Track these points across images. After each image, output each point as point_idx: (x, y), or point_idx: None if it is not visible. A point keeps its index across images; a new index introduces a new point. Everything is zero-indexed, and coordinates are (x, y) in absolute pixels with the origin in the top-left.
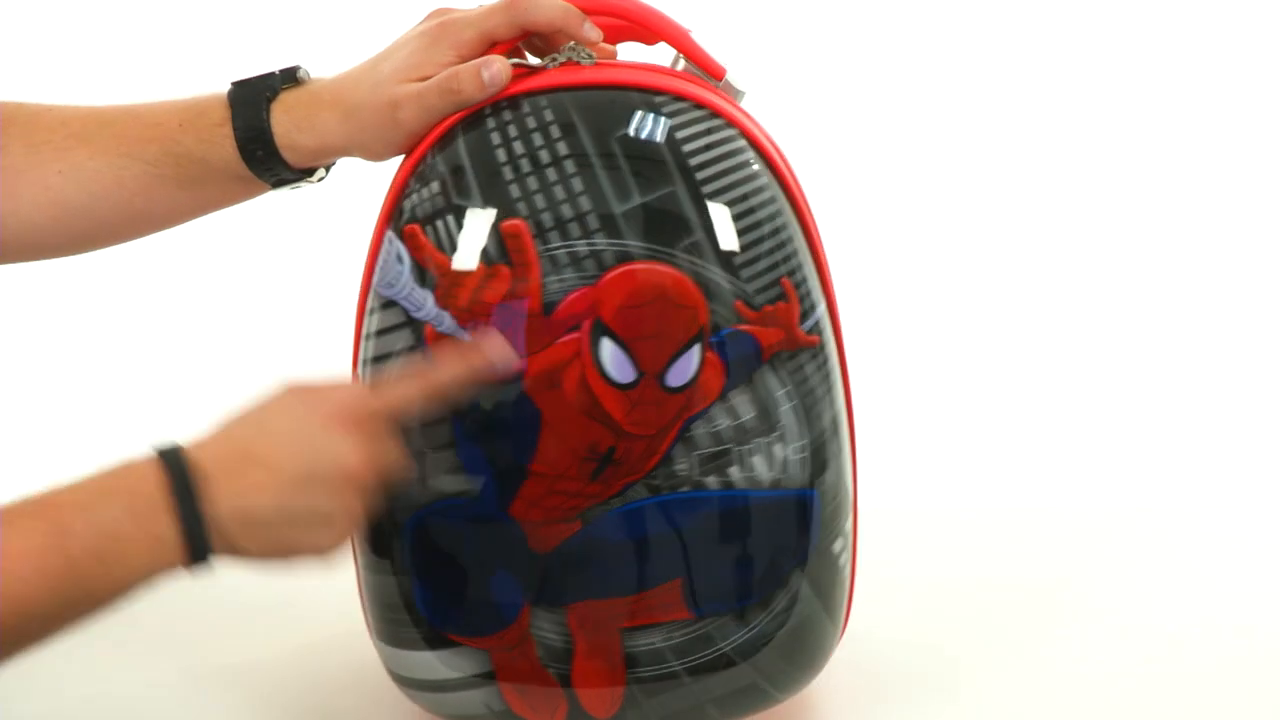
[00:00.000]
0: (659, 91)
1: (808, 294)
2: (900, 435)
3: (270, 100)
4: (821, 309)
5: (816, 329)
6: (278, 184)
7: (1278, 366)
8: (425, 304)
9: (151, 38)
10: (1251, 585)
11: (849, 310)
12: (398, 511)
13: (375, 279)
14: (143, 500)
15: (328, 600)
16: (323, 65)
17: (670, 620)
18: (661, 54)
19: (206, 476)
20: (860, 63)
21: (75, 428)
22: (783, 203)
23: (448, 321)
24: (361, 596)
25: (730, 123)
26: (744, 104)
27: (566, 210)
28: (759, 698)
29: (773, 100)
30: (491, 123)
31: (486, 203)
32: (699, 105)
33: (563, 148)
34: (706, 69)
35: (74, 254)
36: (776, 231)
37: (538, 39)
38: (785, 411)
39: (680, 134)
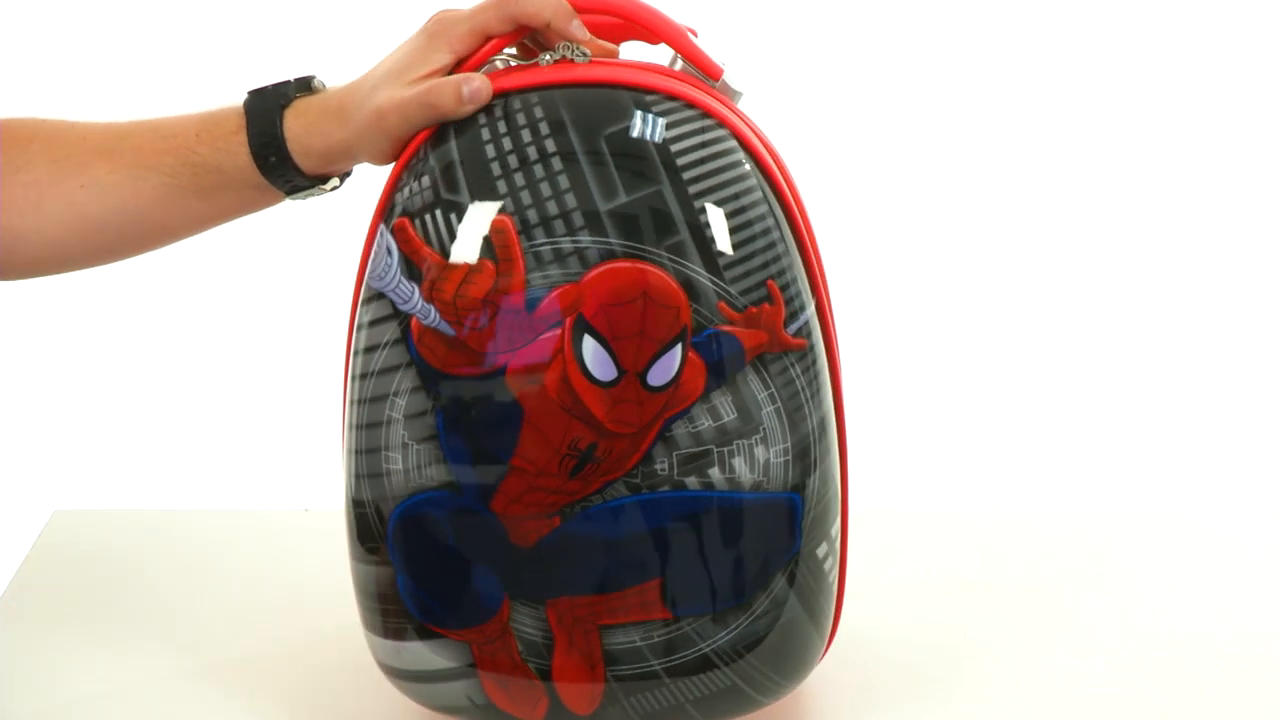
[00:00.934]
0: (650, 90)
1: (795, 296)
2: (897, 435)
3: (284, 108)
4: (810, 311)
5: (804, 331)
6: (292, 191)
7: (1278, 367)
8: (412, 297)
9: (170, 53)
10: (1249, 586)
11: (846, 312)
12: (383, 503)
13: (367, 271)
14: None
15: (331, 598)
16: (338, 72)
17: (649, 619)
18: (661, 54)
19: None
20: (855, 64)
21: (73, 421)
22: (773, 204)
23: (433, 315)
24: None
25: (721, 123)
26: (740, 105)
27: (552, 207)
28: (740, 701)
29: (770, 102)
30: (483, 119)
31: (475, 198)
32: (690, 105)
33: (550, 145)
34: (703, 69)
35: (94, 266)
36: (764, 233)
37: (530, 40)
38: (768, 414)
39: (669, 133)
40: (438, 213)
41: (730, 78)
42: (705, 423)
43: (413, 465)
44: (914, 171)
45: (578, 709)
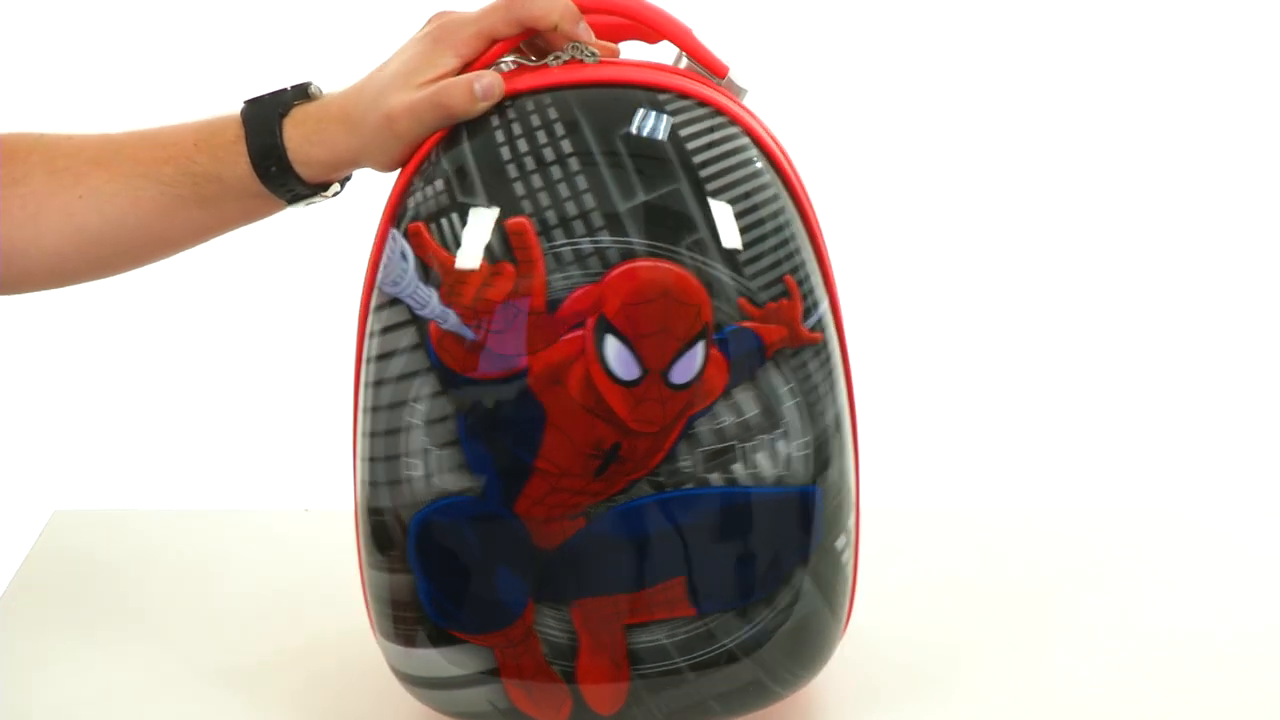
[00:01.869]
0: (663, 89)
1: (811, 291)
2: (900, 435)
3: (282, 116)
4: (824, 306)
5: (819, 326)
6: (293, 199)
7: (1278, 367)
8: (429, 301)
9: (166, 60)
10: (1251, 587)
11: (850, 310)
12: (403, 509)
13: (379, 277)
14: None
15: (332, 598)
16: (334, 76)
17: (673, 617)
18: (662, 53)
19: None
20: (861, 60)
21: (73, 421)
22: (786, 200)
23: (452, 319)
24: (365, 594)
25: (734, 120)
26: (746, 101)
27: (570, 208)
28: (762, 694)
29: (774, 97)
30: (496, 120)
31: (491, 200)
32: (702, 103)
33: (567, 145)
34: (709, 67)
35: (94, 279)
36: (780, 229)
37: (539, 39)
38: (789, 408)
39: (684, 131)
40: (454, 216)
41: (735, 75)
42: (728, 419)
43: (433, 471)
44: (913, 172)
45: (602, 710)
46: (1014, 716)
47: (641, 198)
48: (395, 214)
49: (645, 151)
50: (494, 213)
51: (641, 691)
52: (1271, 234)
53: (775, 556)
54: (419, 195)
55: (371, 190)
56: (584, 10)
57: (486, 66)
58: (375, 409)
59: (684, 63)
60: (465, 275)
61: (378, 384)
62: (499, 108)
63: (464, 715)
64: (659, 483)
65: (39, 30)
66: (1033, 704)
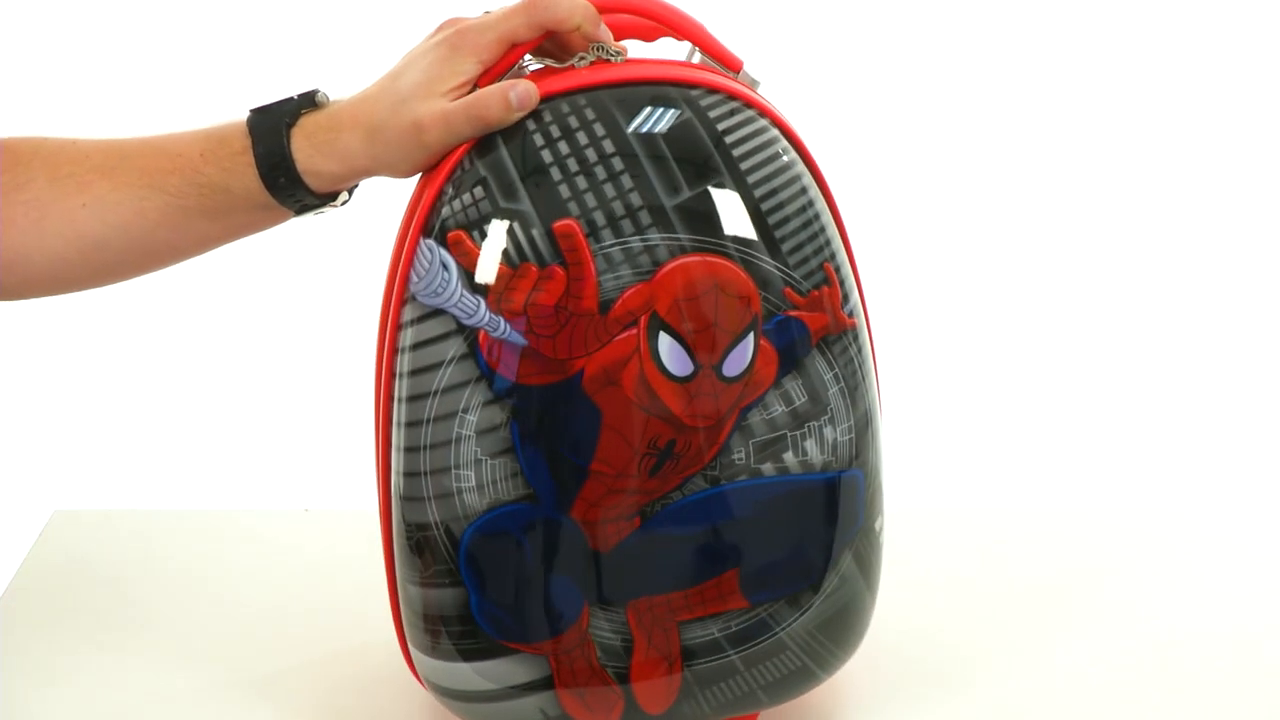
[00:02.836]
0: (695, 85)
1: (845, 277)
2: (914, 436)
3: (290, 126)
4: (855, 291)
5: (854, 311)
6: (301, 210)
7: (1278, 367)
8: (478, 310)
9: (171, 63)
10: (1267, 587)
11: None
12: (454, 522)
13: (415, 289)
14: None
15: (327, 595)
16: (334, 79)
17: (726, 610)
18: (663, 50)
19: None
20: (872, 54)
21: (73, 421)
22: (815, 189)
23: (503, 326)
24: (398, 612)
25: (763, 113)
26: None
27: (618, 207)
28: (806, 679)
29: (778, 91)
30: (532, 125)
31: (535, 205)
32: (732, 97)
33: (608, 145)
34: (725, 62)
35: (97, 286)
36: (815, 218)
37: (550, 42)
38: (833, 394)
39: (721, 126)
40: (498, 223)
41: (749, 68)
42: (778, 408)
43: (487, 481)
44: (917, 176)
45: (652, 709)
46: (1025, 713)
47: (687, 193)
48: (425, 224)
49: (686, 147)
50: (541, 217)
51: (692, 686)
52: (1273, 234)
53: (824, 542)
54: (456, 204)
55: (368, 195)
56: (600, 11)
57: (505, 70)
58: (414, 423)
59: (697, 58)
60: (515, 281)
61: (416, 398)
62: (533, 112)
63: None
64: (713, 476)
65: (44, 34)
66: (1043, 700)
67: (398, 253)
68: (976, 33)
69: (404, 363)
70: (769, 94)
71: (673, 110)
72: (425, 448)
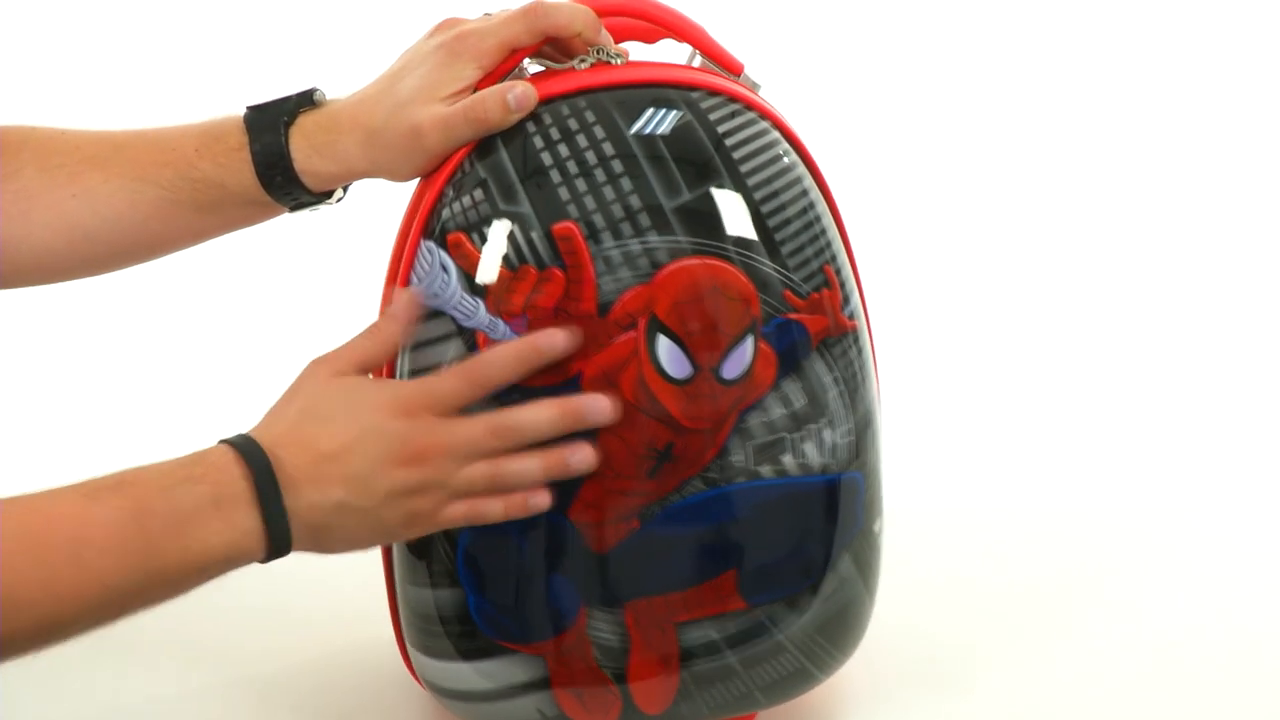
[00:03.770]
0: (695, 88)
1: (846, 279)
2: (914, 434)
3: (288, 125)
4: (855, 293)
5: (854, 313)
6: (296, 207)
7: (1278, 367)
8: (477, 311)
9: (166, 56)
10: (1267, 587)
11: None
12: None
13: (416, 290)
14: (226, 490)
15: (327, 594)
16: (333, 76)
17: (724, 612)
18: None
19: (285, 472)
20: (873, 56)
21: (73, 421)
22: (816, 192)
23: (501, 328)
24: (396, 612)
25: (764, 115)
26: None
27: (617, 210)
28: (804, 680)
29: (779, 92)
30: (532, 127)
31: (535, 207)
32: (733, 99)
33: (608, 148)
34: (725, 65)
35: (87, 276)
36: (816, 220)
37: (550, 45)
38: (832, 396)
39: (721, 128)
40: (497, 224)
41: (750, 71)
42: (778, 411)
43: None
44: (913, 176)
45: (650, 709)
46: (1025, 713)
47: (686, 196)
48: (428, 226)
49: (686, 150)
50: (506, 225)
51: (690, 687)
52: (1272, 233)
53: (823, 544)
54: (456, 206)
55: (370, 195)
56: (600, 14)
57: (506, 73)
58: None
59: (698, 61)
60: (514, 283)
61: None
62: (533, 114)
63: None
64: (711, 479)
65: (38, 27)
66: (1042, 700)
67: (398, 253)
68: (977, 33)
69: (404, 363)
70: (770, 96)
71: (673, 112)
72: None
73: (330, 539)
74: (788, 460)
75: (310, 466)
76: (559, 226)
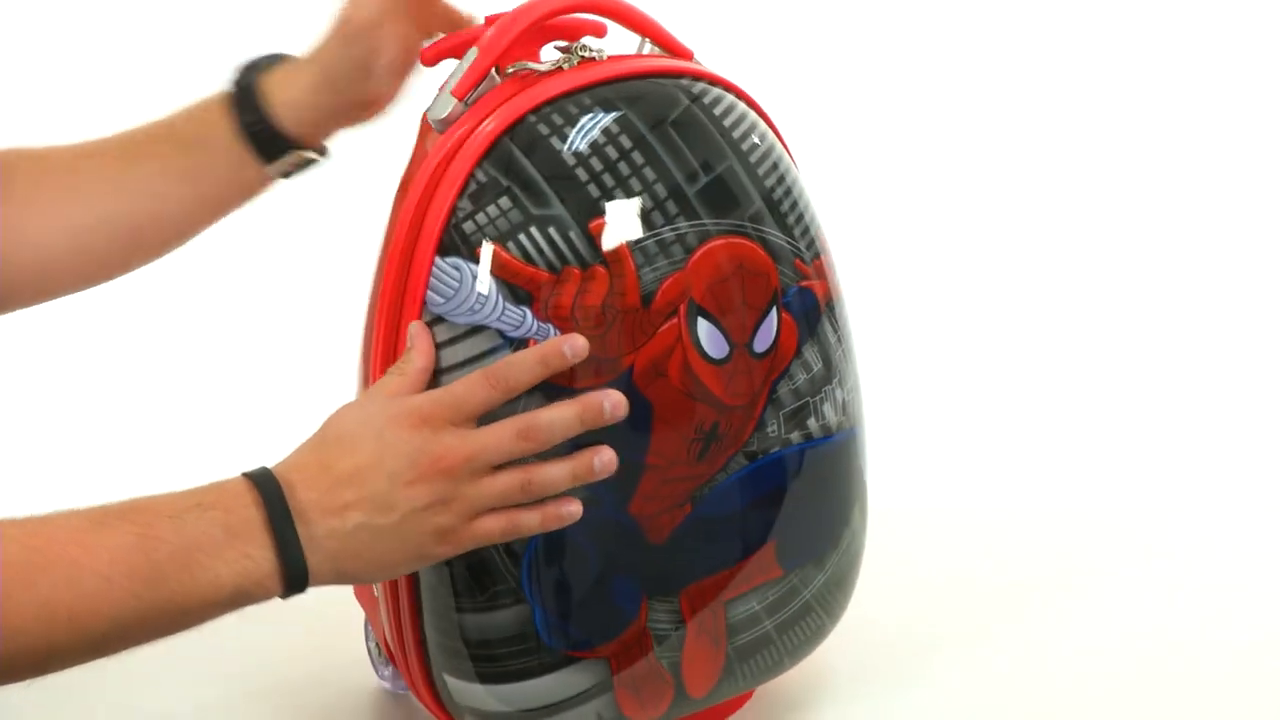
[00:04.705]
0: (682, 75)
1: (827, 243)
2: (893, 435)
3: (263, 70)
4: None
5: (836, 275)
6: (275, 158)
7: (1277, 367)
8: (525, 319)
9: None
10: (1261, 587)
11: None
12: (513, 541)
13: (443, 310)
14: (237, 517)
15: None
16: None
17: (765, 582)
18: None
19: (298, 498)
20: (852, 57)
21: (73, 421)
22: (790, 163)
23: (553, 332)
24: (418, 644)
25: (739, 95)
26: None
27: (646, 200)
28: (819, 635)
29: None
30: (545, 129)
31: (568, 208)
32: (714, 83)
33: (625, 140)
34: (676, 51)
35: (89, 284)
36: (802, 191)
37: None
38: (838, 356)
39: (715, 111)
40: (534, 230)
41: (700, 57)
42: (801, 377)
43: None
44: (910, 172)
45: (697, 692)
46: (1022, 713)
47: (704, 179)
48: (444, 243)
49: (694, 135)
50: (541, 231)
51: (734, 664)
52: (1273, 235)
53: (843, 500)
54: (481, 218)
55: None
56: (554, 13)
57: (479, 81)
58: None
59: (647, 49)
60: (560, 286)
61: None
62: (541, 116)
63: None
64: (752, 452)
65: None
66: (1041, 700)
67: (393, 275)
68: (952, 18)
69: (444, 383)
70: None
71: (676, 102)
72: None
73: (357, 565)
74: (812, 423)
75: (326, 491)
76: (596, 224)
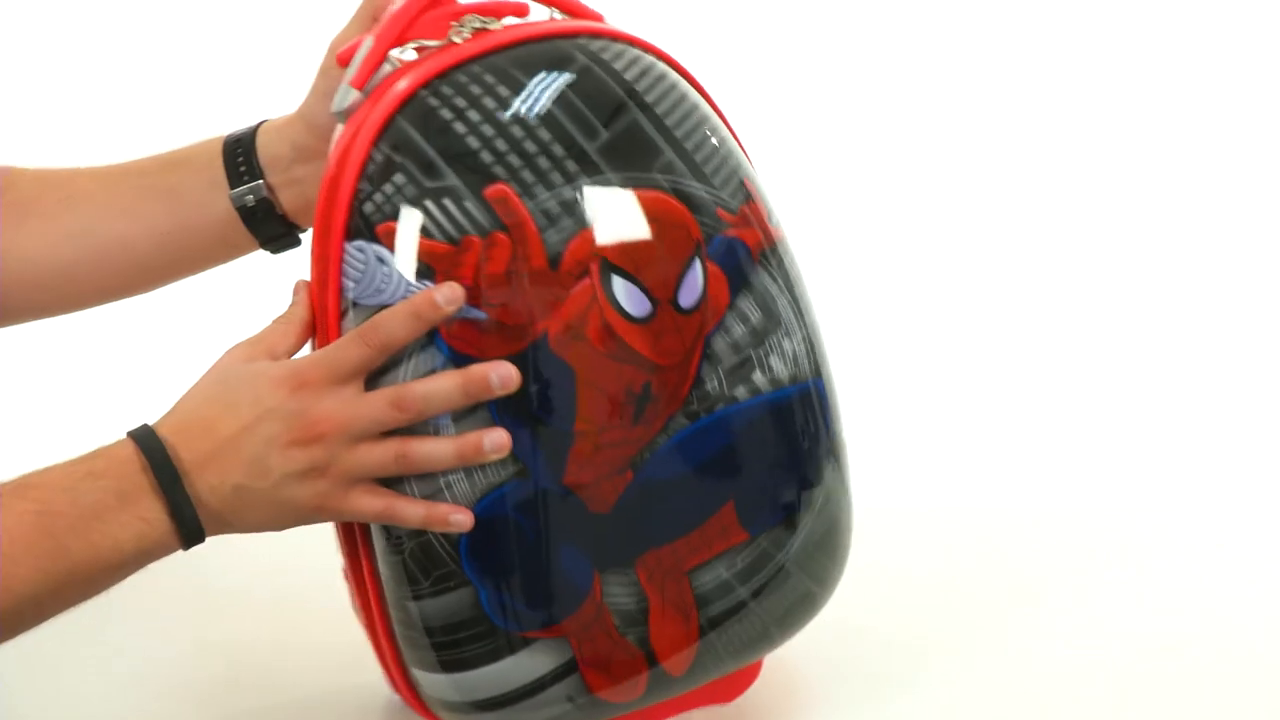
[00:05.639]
0: (580, 35)
1: (761, 192)
2: (889, 434)
3: (259, 126)
4: (771, 204)
5: (778, 224)
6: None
7: (1277, 367)
8: None
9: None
10: (1230, 589)
11: (838, 310)
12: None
13: (354, 295)
14: (128, 483)
15: (326, 594)
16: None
17: (729, 547)
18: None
19: (181, 458)
20: (835, 58)
21: (73, 421)
22: (710, 112)
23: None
24: (389, 639)
25: (646, 50)
26: None
27: (543, 162)
28: (810, 605)
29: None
30: (435, 101)
31: (461, 178)
32: (617, 39)
33: (520, 106)
34: (586, 17)
35: (76, 307)
36: (724, 140)
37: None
38: (783, 305)
39: (617, 65)
40: (428, 204)
41: (609, 20)
42: (739, 330)
43: (475, 467)
44: (904, 169)
45: (676, 670)
46: (1019, 713)
47: (605, 135)
48: (350, 228)
49: (592, 92)
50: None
51: (711, 636)
52: (1272, 234)
53: (808, 457)
54: (378, 197)
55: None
56: None
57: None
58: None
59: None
60: (460, 257)
61: None
62: (432, 90)
63: None
64: (693, 411)
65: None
66: (1039, 700)
67: (321, 270)
68: (946, 34)
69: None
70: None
71: (571, 59)
72: None
73: (241, 522)
74: (758, 378)
75: (209, 451)
76: (491, 189)
